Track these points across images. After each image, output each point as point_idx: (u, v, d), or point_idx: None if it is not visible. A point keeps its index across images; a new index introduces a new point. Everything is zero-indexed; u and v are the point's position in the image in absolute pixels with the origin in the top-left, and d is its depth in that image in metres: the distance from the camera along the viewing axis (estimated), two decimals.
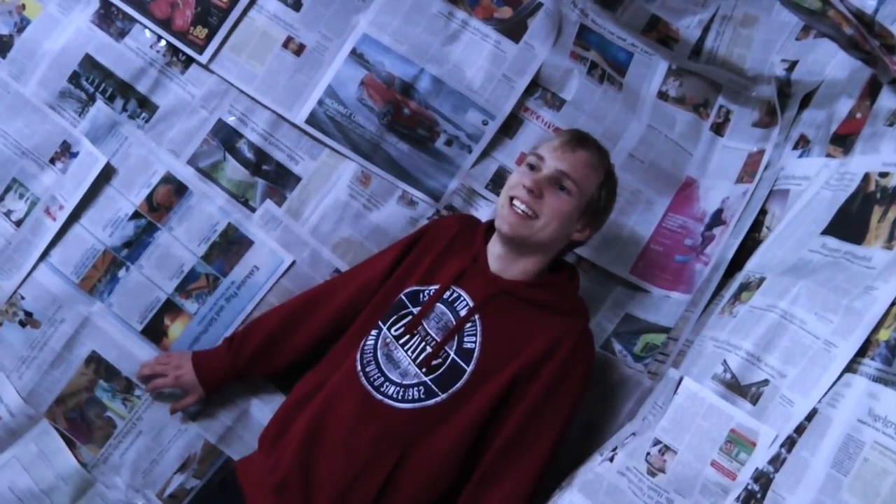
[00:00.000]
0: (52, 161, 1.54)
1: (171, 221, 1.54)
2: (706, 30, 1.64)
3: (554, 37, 1.55)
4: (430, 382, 1.19)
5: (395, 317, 1.27)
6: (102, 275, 1.53)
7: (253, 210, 1.54)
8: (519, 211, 1.21)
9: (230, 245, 1.53)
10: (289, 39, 1.53)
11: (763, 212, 1.35)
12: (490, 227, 1.31)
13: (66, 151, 1.54)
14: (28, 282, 1.52)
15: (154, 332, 1.53)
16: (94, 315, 1.53)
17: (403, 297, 1.29)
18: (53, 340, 1.53)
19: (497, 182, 1.54)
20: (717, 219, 1.50)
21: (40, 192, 1.54)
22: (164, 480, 1.52)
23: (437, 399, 1.18)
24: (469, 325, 1.21)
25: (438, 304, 1.25)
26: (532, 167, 1.26)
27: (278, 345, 1.40)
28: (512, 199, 1.23)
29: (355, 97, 1.52)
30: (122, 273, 1.53)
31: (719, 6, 1.64)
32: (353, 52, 1.52)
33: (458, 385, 1.18)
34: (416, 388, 1.20)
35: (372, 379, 1.23)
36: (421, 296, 1.27)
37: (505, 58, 1.53)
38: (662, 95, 1.62)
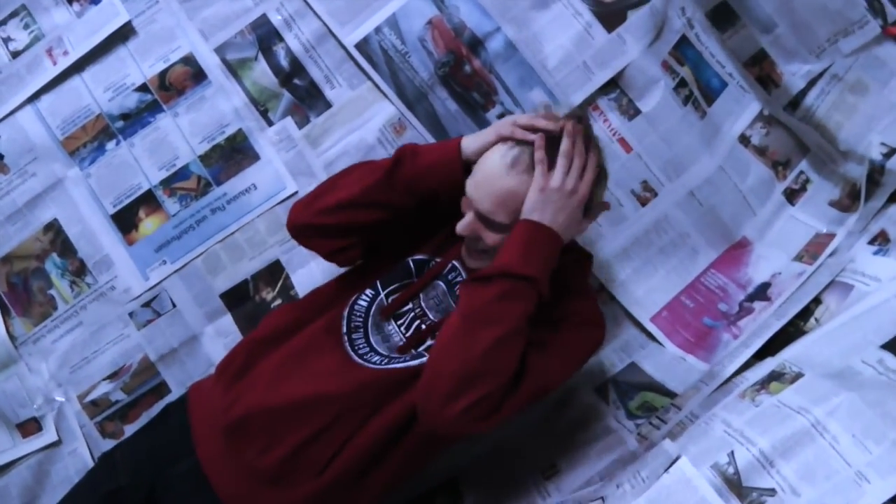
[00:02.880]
0: (70, 0, 1.39)
1: (178, 107, 1.39)
2: (811, 83, 1.47)
3: (651, 38, 1.38)
4: (417, 361, 1.08)
5: (396, 284, 1.16)
6: (90, 140, 1.41)
7: (270, 123, 1.40)
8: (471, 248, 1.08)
9: (234, 153, 1.39)
10: None
11: (817, 301, 1.22)
12: None
13: None
14: (8, 120, 1.41)
15: (124, 220, 1.40)
16: (68, 180, 1.41)
17: (411, 264, 1.17)
18: (17, 192, 1.41)
19: None
20: (762, 292, 1.36)
21: (48, 29, 1.43)
22: (90, 383, 1.40)
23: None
24: None
25: (439, 283, 1.15)
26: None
27: None
28: None
29: (417, 35, 1.35)
30: (110, 145, 1.40)
31: (834, 62, 1.47)
32: None
33: None
34: (400, 361, 1.09)
35: (357, 346, 1.12)
36: (427, 267, 1.17)
37: (591, 44, 1.36)
38: (744, 139, 1.46)
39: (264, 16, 1.39)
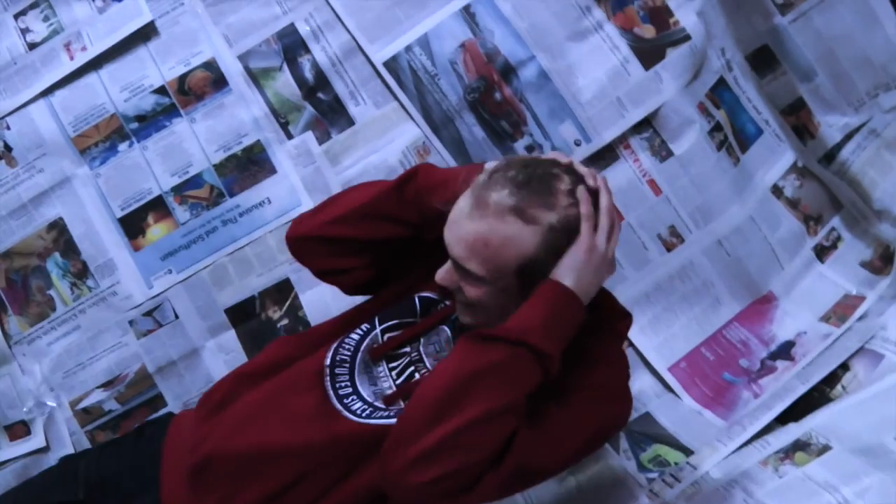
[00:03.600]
0: None
1: (195, 112, 1.35)
2: (848, 137, 1.43)
3: (688, 78, 1.33)
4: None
5: (395, 321, 1.04)
6: (102, 139, 1.36)
7: (290, 136, 1.35)
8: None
9: (250, 164, 1.34)
10: None
11: (844, 367, 1.17)
12: None
13: None
14: (20, 112, 1.36)
15: (131, 225, 1.35)
16: (77, 179, 1.36)
17: (416, 301, 1.06)
18: (23, 187, 1.37)
19: None
20: (786, 352, 1.31)
21: (67, 23, 1.38)
22: (83, 390, 1.34)
23: None
24: None
25: (444, 328, 1.03)
26: None
27: None
28: None
29: (448, 58, 1.31)
30: (123, 146, 1.36)
31: (872, 117, 1.42)
32: (466, 8, 1.31)
33: None
34: (384, 415, 0.96)
35: (338, 385, 0.99)
36: (435, 308, 1.05)
37: (627, 80, 1.31)
38: (776, 190, 1.41)
39: (292, 25, 1.34)
